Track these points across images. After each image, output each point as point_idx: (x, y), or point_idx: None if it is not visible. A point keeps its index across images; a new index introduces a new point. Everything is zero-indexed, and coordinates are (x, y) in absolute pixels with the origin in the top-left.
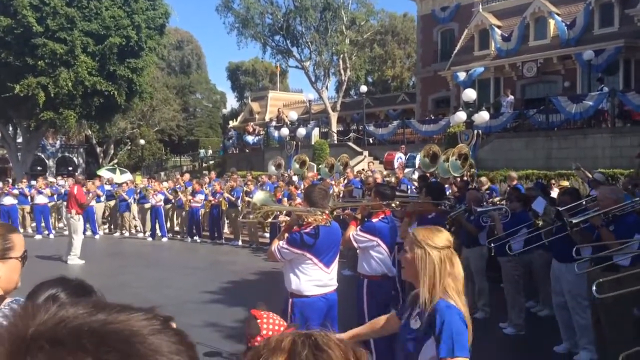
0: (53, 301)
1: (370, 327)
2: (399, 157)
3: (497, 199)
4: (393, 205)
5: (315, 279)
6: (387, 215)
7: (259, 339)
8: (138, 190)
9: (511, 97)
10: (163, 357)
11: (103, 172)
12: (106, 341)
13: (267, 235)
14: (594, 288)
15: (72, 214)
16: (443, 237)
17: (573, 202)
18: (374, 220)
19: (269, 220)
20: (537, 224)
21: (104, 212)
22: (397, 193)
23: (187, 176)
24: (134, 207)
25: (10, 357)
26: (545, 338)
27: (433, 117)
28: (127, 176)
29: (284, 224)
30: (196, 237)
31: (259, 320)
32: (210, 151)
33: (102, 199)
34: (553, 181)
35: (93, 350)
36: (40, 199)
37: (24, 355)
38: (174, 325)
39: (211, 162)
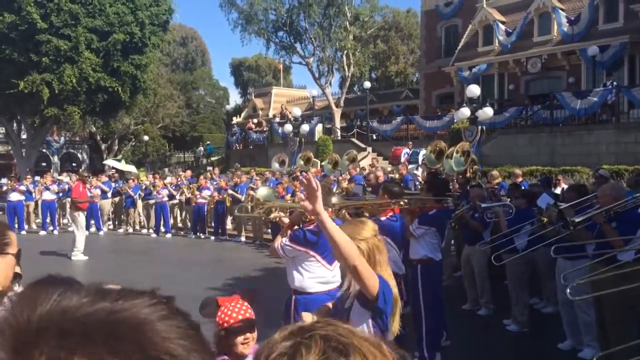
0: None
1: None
2: (406, 152)
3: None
4: (401, 203)
5: (318, 276)
6: (395, 213)
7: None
8: (143, 187)
9: None
10: (172, 343)
11: (109, 161)
12: (115, 331)
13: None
14: (567, 290)
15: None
16: (369, 228)
17: (579, 199)
18: (382, 218)
19: (272, 215)
20: (543, 221)
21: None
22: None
23: (188, 172)
24: (139, 204)
25: (15, 351)
26: (549, 335)
27: (439, 113)
28: (132, 167)
29: (277, 220)
30: (200, 234)
31: (221, 308)
32: (202, 149)
33: (109, 194)
34: (560, 177)
35: (103, 341)
36: (47, 195)
37: (32, 349)
38: (175, 305)
39: (214, 158)
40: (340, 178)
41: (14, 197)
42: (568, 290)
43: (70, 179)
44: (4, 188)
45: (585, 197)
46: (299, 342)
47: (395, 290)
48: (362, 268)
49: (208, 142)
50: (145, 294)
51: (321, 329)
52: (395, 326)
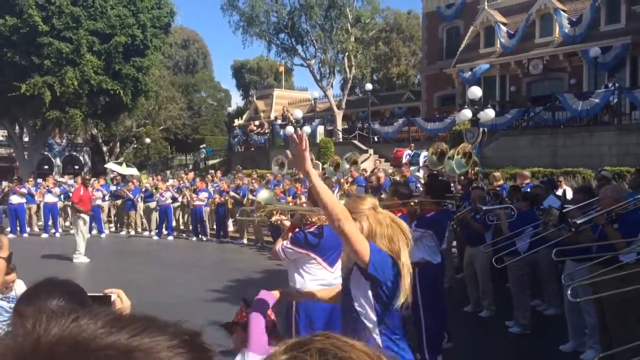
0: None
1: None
2: (408, 154)
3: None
4: (412, 204)
5: (319, 278)
6: (404, 213)
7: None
8: (143, 189)
9: None
10: None
11: (110, 165)
12: None
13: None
14: (568, 292)
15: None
16: (367, 202)
17: (586, 200)
18: None
19: (273, 218)
20: (548, 222)
21: (109, 211)
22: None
23: (191, 175)
24: (140, 206)
25: None
26: (551, 337)
27: (438, 115)
28: (133, 170)
29: (278, 222)
30: (201, 236)
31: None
32: (203, 153)
33: (107, 197)
34: (561, 179)
35: None
36: (50, 198)
37: None
38: (198, 344)
39: (215, 160)
40: (342, 180)
41: (16, 199)
42: (569, 292)
43: (75, 182)
44: (6, 190)
45: (592, 200)
46: (294, 357)
47: (401, 263)
48: (349, 230)
49: (205, 145)
50: (169, 329)
51: (319, 342)
52: (401, 298)
